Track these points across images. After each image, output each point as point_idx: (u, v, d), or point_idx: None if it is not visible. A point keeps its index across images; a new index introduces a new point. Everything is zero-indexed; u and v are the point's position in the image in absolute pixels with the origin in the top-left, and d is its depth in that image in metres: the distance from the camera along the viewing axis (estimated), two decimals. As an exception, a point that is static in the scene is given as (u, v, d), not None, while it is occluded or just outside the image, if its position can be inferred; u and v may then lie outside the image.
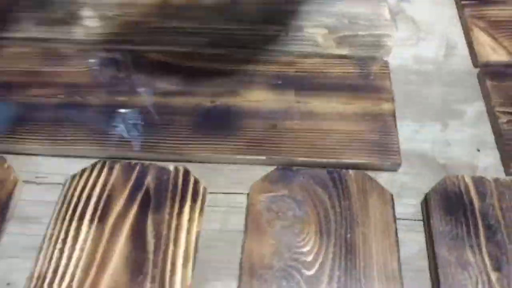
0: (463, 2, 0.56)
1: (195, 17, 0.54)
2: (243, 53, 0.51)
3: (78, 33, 0.53)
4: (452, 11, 0.57)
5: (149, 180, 0.42)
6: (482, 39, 0.52)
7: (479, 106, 0.49)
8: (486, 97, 0.49)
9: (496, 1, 0.56)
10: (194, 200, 0.41)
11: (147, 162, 0.44)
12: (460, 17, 0.56)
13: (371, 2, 0.56)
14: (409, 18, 0.57)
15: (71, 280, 0.37)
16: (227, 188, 0.43)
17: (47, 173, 0.44)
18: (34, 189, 0.43)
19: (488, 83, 0.49)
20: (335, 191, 0.42)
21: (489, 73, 0.50)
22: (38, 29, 0.53)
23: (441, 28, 0.56)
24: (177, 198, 0.41)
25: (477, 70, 0.51)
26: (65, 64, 0.50)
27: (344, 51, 0.51)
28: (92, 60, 0.50)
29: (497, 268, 0.37)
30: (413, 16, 0.57)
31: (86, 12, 0.55)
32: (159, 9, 0.55)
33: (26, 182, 0.43)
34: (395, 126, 0.46)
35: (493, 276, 0.36)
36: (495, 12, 0.55)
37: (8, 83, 0.49)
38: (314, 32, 0.53)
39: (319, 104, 0.47)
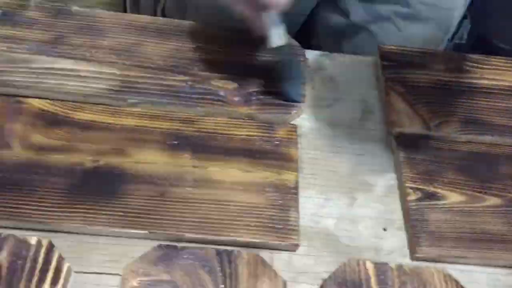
0: (383, 63, 0.53)
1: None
2: (140, 105, 0.46)
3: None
4: (374, 72, 0.55)
5: (3, 255, 0.36)
6: (399, 105, 0.50)
7: (391, 178, 0.46)
8: (398, 170, 0.46)
9: (416, 65, 0.54)
10: (54, 282, 0.35)
11: (6, 232, 0.37)
12: (379, 80, 0.53)
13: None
14: (328, 76, 0.53)
15: None
16: (99, 267, 0.37)
17: None
18: None
19: (401, 155, 0.46)
20: (221, 277, 0.37)
21: (403, 143, 0.47)
22: None
23: (360, 90, 0.53)
24: (34, 280, 0.35)
25: (391, 138, 0.48)
26: None
27: (250, 110, 0.47)
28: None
29: None
30: (332, 74, 0.53)
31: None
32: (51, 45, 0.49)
33: None
34: (297, 200, 0.41)
35: None
36: (414, 76, 0.53)
37: None
38: (221, 86, 0.48)
39: (217, 170, 0.42)
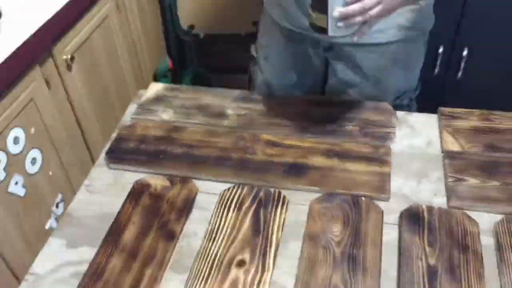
0: (442, 117, 0.98)
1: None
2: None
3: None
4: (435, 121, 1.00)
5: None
6: (448, 138, 0.94)
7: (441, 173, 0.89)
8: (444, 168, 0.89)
9: (460, 117, 0.98)
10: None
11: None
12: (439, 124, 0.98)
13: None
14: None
15: (223, 234, 0.80)
16: (299, 203, 0.86)
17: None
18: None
19: (446, 161, 0.90)
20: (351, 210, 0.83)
21: (448, 156, 0.91)
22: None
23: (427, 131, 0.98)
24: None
25: (442, 154, 0.92)
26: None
27: (367, 139, 0.94)
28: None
29: (430, 245, 0.75)
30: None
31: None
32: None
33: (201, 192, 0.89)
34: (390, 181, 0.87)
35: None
36: (458, 123, 0.97)
37: (191, 145, 0.96)
38: (351, 128, 0.97)
39: (351, 165, 0.90)
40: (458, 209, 0.82)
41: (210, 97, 1.08)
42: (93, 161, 1.43)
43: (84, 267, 0.78)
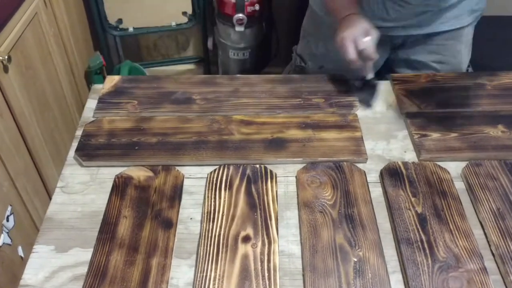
0: (394, 82, 1.06)
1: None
2: (282, 114, 0.99)
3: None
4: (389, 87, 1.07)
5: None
6: (405, 100, 1.02)
7: (405, 131, 0.97)
8: (407, 127, 0.97)
9: (410, 80, 1.07)
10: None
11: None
12: (393, 90, 1.06)
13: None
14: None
15: (221, 214, 0.81)
16: (285, 175, 0.89)
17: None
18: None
19: (408, 121, 0.97)
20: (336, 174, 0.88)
21: (409, 116, 0.99)
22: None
23: (383, 96, 1.05)
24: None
25: (403, 115, 1.00)
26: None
27: (334, 109, 1.00)
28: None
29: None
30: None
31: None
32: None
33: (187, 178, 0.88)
34: (363, 143, 0.93)
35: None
36: (410, 86, 1.05)
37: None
38: (318, 101, 1.01)
39: (325, 134, 0.95)
40: (429, 161, 0.90)
41: (172, 84, 1.06)
42: (36, 167, 1.34)
43: (81, 270, 0.75)
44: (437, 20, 1.08)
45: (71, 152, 0.93)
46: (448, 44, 1.14)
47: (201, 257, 0.75)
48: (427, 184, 0.85)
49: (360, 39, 0.92)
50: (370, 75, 0.98)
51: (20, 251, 1.22)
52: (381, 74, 1.22)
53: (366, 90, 1.01)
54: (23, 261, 1.20)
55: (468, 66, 1.23)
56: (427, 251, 0.75)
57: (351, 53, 0.93)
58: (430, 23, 1.08)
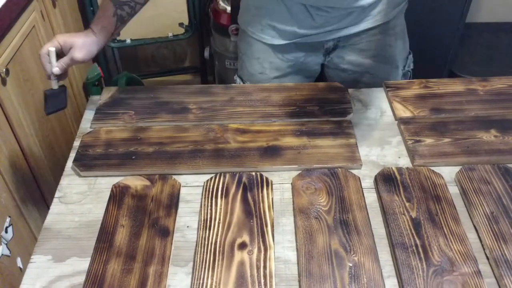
0: (388, 89, 1.08)
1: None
2: (277, 121, 1.00)
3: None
4: (383, 93, 1.09)
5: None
6: (398, 107, 1.03)
7: (399, 137, 0.98)
8: (401, 132, 0.98)
9: (403, 87, 1.08)
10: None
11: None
12: (386, 96, 1.07)
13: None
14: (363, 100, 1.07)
15: (217, 221, 0.81)
16: (280, 182, 0.90)
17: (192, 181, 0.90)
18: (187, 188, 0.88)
19: (402, 127, 0.99)
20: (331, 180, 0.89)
21: (402, 122, 1.00)
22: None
23: (377, 103, 1.07)
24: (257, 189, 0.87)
25: (396, 121, 1.01)
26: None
27: (328, 117, 1.01)
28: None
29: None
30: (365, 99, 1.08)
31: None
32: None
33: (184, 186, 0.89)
34: (358, 149, 0.94)
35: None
36: (403, 93, 1.07)
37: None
38: (312, 108, 1.03)
39: (320, 141, 0.96)
40: (422, 166, 0.91)
41: (168, 94, 1.08)
42: (34, 178, 1.34)
43: (79, 279, 0.75)
44: (362, 19, 1.09)
45: (69, 163, 0.94)
46: (377, 39, 1.15)
47: (198, 265, 0.75)
48: (421, 189, 0.86)
49: (42, 49, 0.93)
50: (54, 85, 0.97)
51: (19, 262, 1.23)
52: (320, 79, 1.26)
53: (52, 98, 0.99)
54: (22, 272, 1.20)
55: (409, 53, 1.24)
56: (422, 255, 0.75)
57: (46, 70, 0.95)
58: (356, 22, 1.10)
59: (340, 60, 1.18)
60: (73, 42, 0.93)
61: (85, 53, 0.94)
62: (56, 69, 0.93)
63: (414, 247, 0.76)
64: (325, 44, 1.15)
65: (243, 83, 1.24)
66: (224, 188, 0.87)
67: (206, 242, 0.78)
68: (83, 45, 0.93)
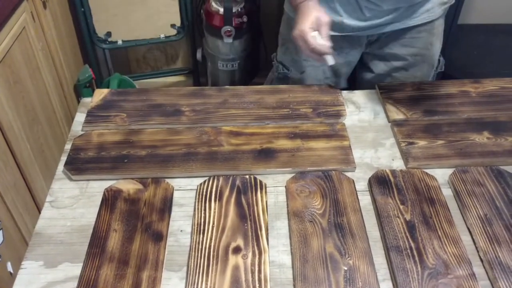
0: (381, 91, 1.08)
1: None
2: (271, 124, 1.00)
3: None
4: (376, 96, 1.09)
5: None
6: (391, 109, 1.03)
7: (393, 139, 0.98)
8: (395, 135, 0.98)
9: (396, 89, 1.08)
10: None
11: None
12: (379, 98, 1.07)
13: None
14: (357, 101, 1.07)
15: (211, 225, 0.81)
16: (274, 185, 0.89)
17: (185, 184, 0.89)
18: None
19: (395, 128, 0.99)
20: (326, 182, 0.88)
21: (395, 124, 1.00)
22: (162, 119, 1.00)
23: (370, 105, 1.06)
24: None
25: (389, 123, 1.01)
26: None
27: (321, 119, 1.00)
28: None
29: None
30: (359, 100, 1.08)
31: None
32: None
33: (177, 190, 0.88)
34: (351, 152, 0.94)
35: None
36: (396, 95, 1.07)
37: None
38: (305, 111, 1.02)
39: (314, 143, 0.95)
40: (416, 168, 0.91)
41: (160, 97, 1.07)
42: (25, 181, 1.33)
43: (71, 285, 0.74)
44: (409, 15, 1.11)
45: (60, 166, 0.93)
46: (421, 37, 1.16)
47: (192, 269, 0.75)
48: (415, 192, 0.86)
49: (308, 36, 0.96)
50: (330, 62, 0.99)
51: (9, 267, 1.21)
52: (356, 68, 1.27)
53: None
54: (12, 277, 1.19)
55: (440, 56, 1.25)
56: (416, 258, 0.75)
57: (304, 52, 0.99)
58: (403, 18, 1.11)
59: (379, 52, 1.20)
60: (313, 16, 0.98)
61: (323, 12, 0.99)
62: (328, 43, 0.97)
63: (408, 250, 0.76)
64: (369, 37, 1.17)
65: (287, 69, 1.25)
66: (218, 192, 0.86)
67: (200, 247, 0.78)
68: (318, 9, 0.99)
